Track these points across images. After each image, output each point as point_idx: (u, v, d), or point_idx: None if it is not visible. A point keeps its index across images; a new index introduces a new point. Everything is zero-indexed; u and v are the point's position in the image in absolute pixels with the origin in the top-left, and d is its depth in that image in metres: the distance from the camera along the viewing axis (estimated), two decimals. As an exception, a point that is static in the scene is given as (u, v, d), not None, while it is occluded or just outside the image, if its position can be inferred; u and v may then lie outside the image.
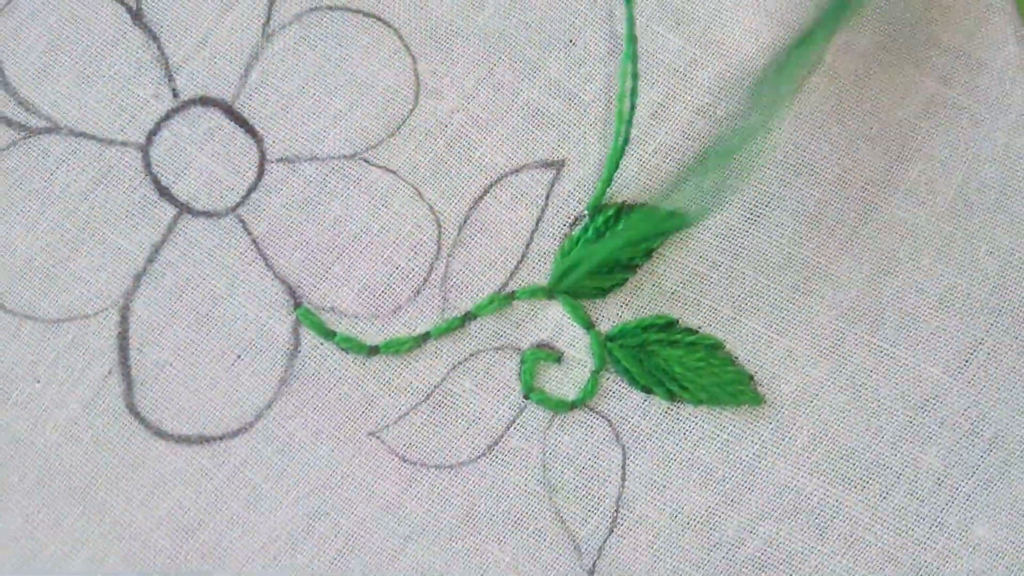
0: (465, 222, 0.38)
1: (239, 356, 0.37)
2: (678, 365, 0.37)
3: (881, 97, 0.39)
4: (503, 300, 0.38)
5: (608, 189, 0.38)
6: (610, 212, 0.38)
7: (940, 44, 0.39)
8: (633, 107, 0.38)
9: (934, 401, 0.38)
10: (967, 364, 0.38)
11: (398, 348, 0.37)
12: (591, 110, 0.39)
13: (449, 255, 0.38)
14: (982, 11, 0.40)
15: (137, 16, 0.38)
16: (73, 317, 0.37)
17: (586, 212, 0.38)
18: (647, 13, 0.39)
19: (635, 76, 0.38)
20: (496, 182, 0.38)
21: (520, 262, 0.38)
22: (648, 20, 0.39)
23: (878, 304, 0.38)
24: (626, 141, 0.38)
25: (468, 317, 0.38)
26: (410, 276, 0.38)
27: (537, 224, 0.38)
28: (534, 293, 0.38)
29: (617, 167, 0.38)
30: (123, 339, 0.37)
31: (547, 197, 0.38)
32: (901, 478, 0.38)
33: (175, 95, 0.38)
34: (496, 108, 0.38)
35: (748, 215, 0.38)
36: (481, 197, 0.38)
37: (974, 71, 0.39)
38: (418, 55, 0.39)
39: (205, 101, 0.38)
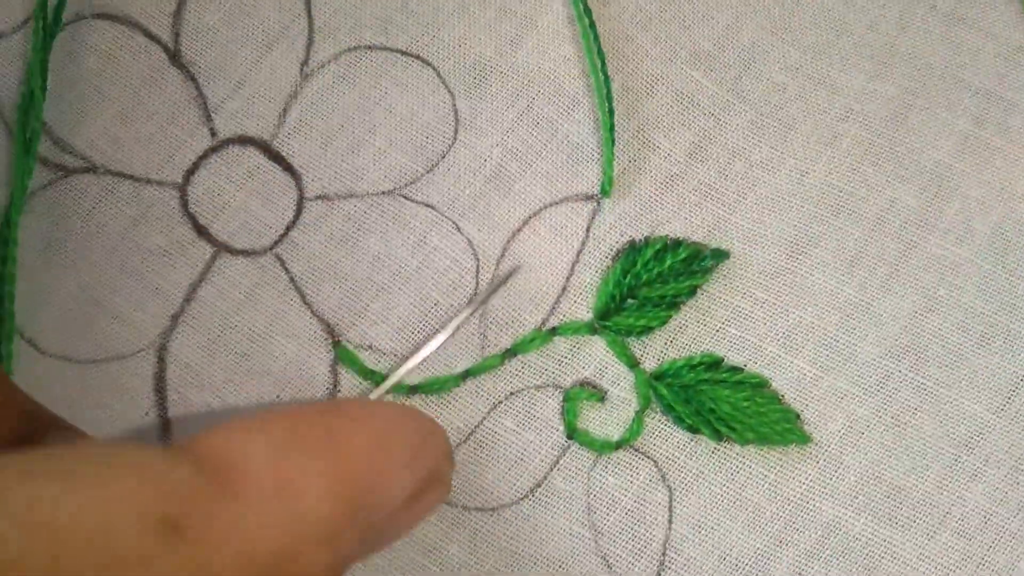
0: (503, 256, 0.38)
1: (278, 395, 0.36)
2: (725, 404, 0.37)
3: (914, 140, 0.39)
4: (545, 337, 0.37)
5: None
6: (658, 246, 0.38)
7: (971, 87, 0.40)
8: (607, 79, 0.38)
9: (978, 438, 0.38)
10: (1010, 401, 0.38)
11: (438, 387, 0.37)
12: (630, 146, 0.39)
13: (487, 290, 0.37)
14: (1011, 53, 0.40)
15: (175, 57, 0.38)
16: (111, 358, 0.36)
17: (599, 193, 0.38)
18: (681, 57, 0.39)
19: (601, 55, 0.38)
20: (535, 215, 0.38)
21: (560, 296, 0.38)
22: (682, 64, 0.39)
23: (921, 342, 0.38)
24: (612, 112, 0.37)
25: (508, 354, 0.37)
26: (448, 312, 0.37)
27: (578, 256, 0.38)
28: (577, 329, 0.37)
29: (614, 141, 0.37)
30: (160, 380, 0.36)
31: (587, 230, 0.38)
32: (948, 517, 0.37)
33: (213, 134, 0.38)
34: (535, 143, 0.38)
35: (790, 253, 0.38)
36: (519, 230, 0.38)
37: (1006, 112, 0.40)
38: (456, 92, 0.39)
39: (243, 140, 0.38)
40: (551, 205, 0.38)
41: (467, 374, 0.37)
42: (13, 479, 0.20)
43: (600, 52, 0.38)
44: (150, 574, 0.21)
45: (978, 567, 0.37)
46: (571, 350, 0.37)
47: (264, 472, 0.23)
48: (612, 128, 0.37)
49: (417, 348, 0.36)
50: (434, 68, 0.39)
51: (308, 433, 0.24)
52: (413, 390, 0.37)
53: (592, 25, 0.38)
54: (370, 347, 0.37)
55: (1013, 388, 0.38)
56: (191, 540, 0.21)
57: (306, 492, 0.23)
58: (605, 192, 0.38)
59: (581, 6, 0.38)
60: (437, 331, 0.36)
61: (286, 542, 0.22)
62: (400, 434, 0.27)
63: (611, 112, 0.37)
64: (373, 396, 0.35)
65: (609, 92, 0.38)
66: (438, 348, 0.36)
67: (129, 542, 0.20)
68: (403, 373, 0.35)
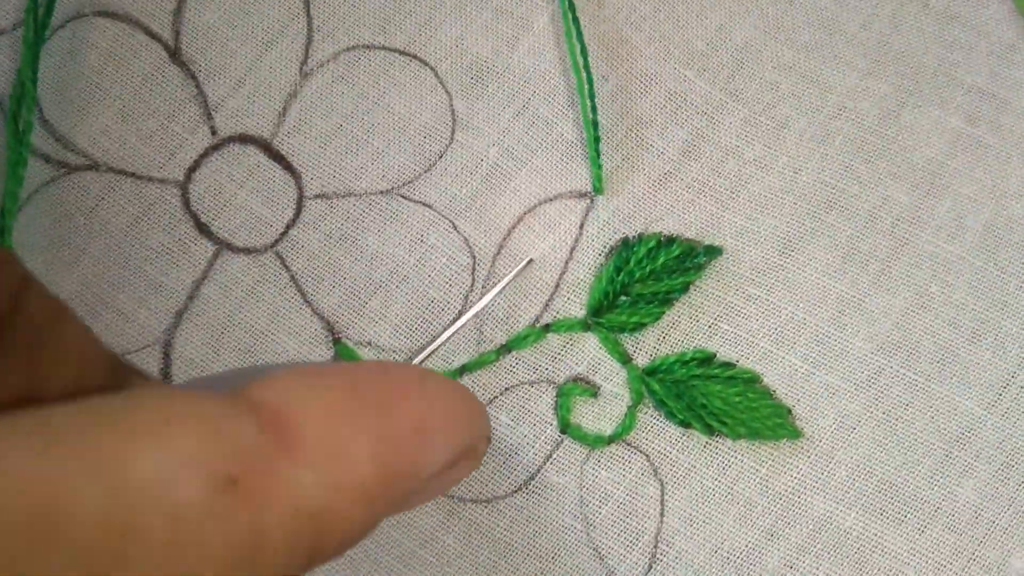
0: (499, 253, 0.38)
1: (279, 391, 0.37)
2: (717, 399, 0.37)
3: (907, 137, 0.40)
4: (539, 333, 0.38)
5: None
6: (651, 243, 0.38)
7: (964, 84, 0.40)
8: (590, 78, 0.38)
9: (969, 435, 0.38)
10: (1000, 397, 0.38)
11: (436, 383, 0.37)
12: (623, 145, 0.39)
13: (484, 285, 0.38)
14: (1004, 51, 0.40)
15: (175, 55, 0.39)
16: (116, 354, 0.37)
17: (592, 191, 0.38)
18: (674, 56, 0.40)
19: (584, 53, 0.38)
20: (529, 211, 0.38)
21: (554, 293, 0.38)
22: (676, 63, 0.40)
23: (912, 338, 0.38)
24: (595, 109, 0.38)
25: (504, 350, 0.38)
26: (446, 308, 0.38)
27: (571, 253, 0.38)
28: (571, 326, 0.38)
29: (598, 139, 0.38)
30: (166, 376, 0.37)
31: (581, 227, 0.38)
32: (939, 512, 0.38)
33: (213, 133, 0.38)
34: (531, 142, 0.39)
35: (783, 250, 0.39)
36: (514, 227, 0.38)
37: (998, 110, 0.40)
38: (454, 92, 0.39)
39: (244, 139, 0.38)
40: (545, 202, 0.39)
41: (464, 369, 0.38)
42: (84, 429, 0.21)
43: (584, 49, 0.38)
44: (210, 528, 0.21)
45: (969, 562, 0.37)
46: (565, 346, 0.38)
47: (321, 432, 0.23)
48: (596, 125, 0.38)
49: (430, 338, 0.37)
50: (432, 68, 0.39)
51: (364, 396, 0.25)
52: (410, 385, 0.37)
53: (575, 20, 0.38)
54: (369, 344, 0.38)
55: (1004, 384, 0.38)
56: (247, 496, 0.22)
57: (355, 455, 0.24)
58: (597, 190, 0.38)
59: (566, 3, 0.38)
60: (456, 317, 0.37)
61: (331, 500, 0.23)
62: (447, 408, 0.28)
63: (594, 109, 0.38)
64: (416, 362, 0.36)
65: (591, 89, 0.38)
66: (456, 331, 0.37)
67: (194, 497, 0.21)
68: (441, 343, 0.36)
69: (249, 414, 0.23)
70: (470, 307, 0.38)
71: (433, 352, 0.36)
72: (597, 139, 0.38)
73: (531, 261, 0.38)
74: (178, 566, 0.21)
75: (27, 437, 0.21)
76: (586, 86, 0.38)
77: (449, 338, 0.37)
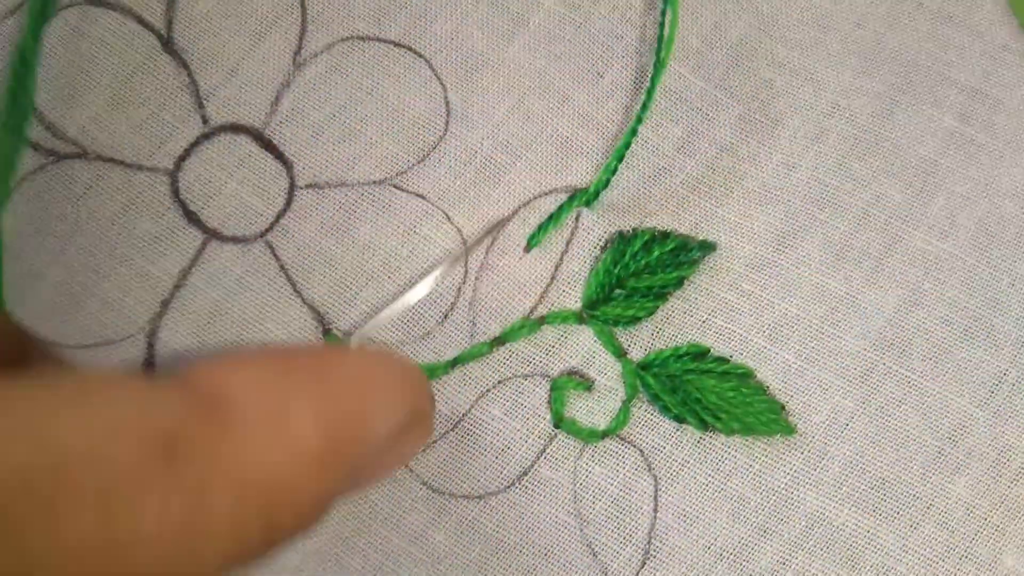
0: (492, 245, 0.38)
1: (268, 381, 0.36)
2: (711, 394, 0.37)
3: (900, 136, 0.40)
4: (533, 325, 0.37)
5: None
6: (646, 237, 0.38)
7: (957, 84, 0.40)
8: (652, 89, 0.38)
9: (961, 431, 0.38)
10: (992, 395, 0.38)
11: (427, 375, 0.37)
12: (618, 141, 0.39)
13: (477, 278, 0.38)
14: (997, 51, 0.41)
15: (167, 44, 0.38)
16: (99, 343, 0.36)
17: (587, 188, 0.38)
18: (670, 53, 0.40)
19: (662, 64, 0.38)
20: (524, 205, 0.38)
21: (549, 285, 0.38)
22: (671, 61, 0.40)
23: (905, 335, 0.38)
24: (639, 122, 0.38)
25: (497, 342, 0.37)
26: (438, 301, 0.38)
27: (567, 246, 0.38)
28: (565, 318, 0.38)
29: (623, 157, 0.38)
30: (149, 365, 0.36)
31: (576, 219, 0.38)
32: (931, 508, 0.37)
33: (205, 122, 0.38)
34: (525, 136, 0.39)
35: (777, 246, 0.39)
36: (509, 219, 0.38)
37: (991, 109, 0.40)
38: (448, 84, 0.39)
39: (235, 128, 0.38)
40: (540, 196, 0.38)
41: (456, 362, 0.37)
42: (15, 398, 0.20)
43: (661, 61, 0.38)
44: (150, 496, 0.21)
45: (961, 559, 0.37)
46: (559, 339, 0.38)
47: (254, 401, 0.23)
48: (634, 133, 0.38)
49: (423, 332, 0.37)
50: (426, 60, 0.39)
51: (296, 366, 0.24)
52: (401, 378, 0.37)
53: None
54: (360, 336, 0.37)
55: (996, 382, 0.38)
56: (186, 463, 0.21)
57: (296, 423, 0.23)
58: (589, 203, 0.38)
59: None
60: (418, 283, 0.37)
61: (278, 471, 0.23)
62: (383, 371, 0.27)
63: (639, 119, 0.38)
64: (353, 340, 0.36)
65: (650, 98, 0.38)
66: (418, 301, 0.36)
67: (126, 462, 0.21)
68: (380, 322, 0.36)
69: (178, 388, 0.22)
70: (463, 298, 0.37)
71: (378, 323, 0.36)
72: (628, 145, 0.38)
73: (505, 220, 0.37)
74: (110, 538, 0.20)
75: None
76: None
77: (406, 307, 0.36)
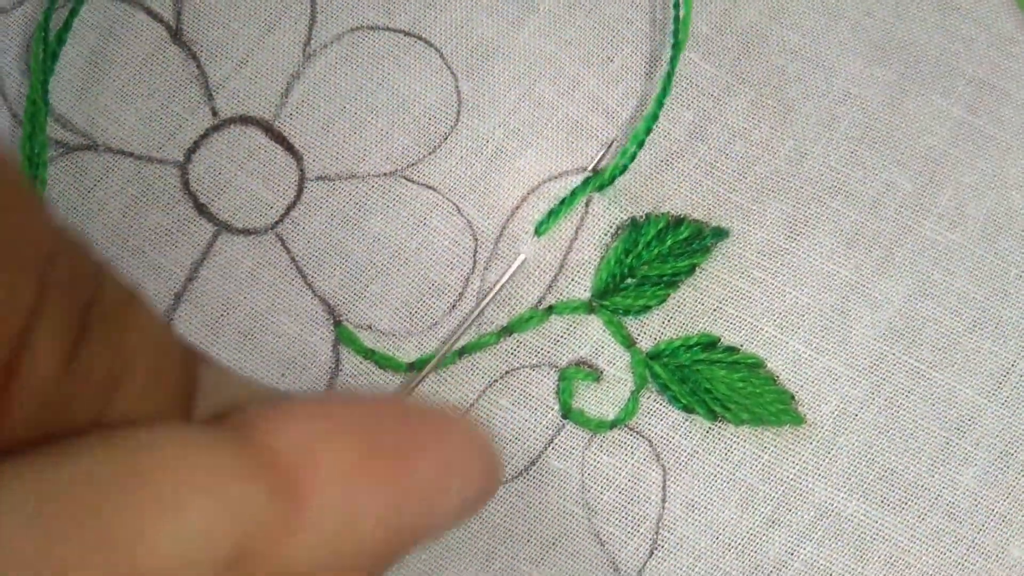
0: (501, 235, 0.38)
1: (283, 375, 0.37)
2: (720, 384, 0.37)
3: (910, 125, 0.40)
4: (541, 316, 0.38)
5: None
6: (660, 224, 0.38)
7: (965, 75, 0.40)
8: (672, 73, 0.38)
9: (970, 422, 0.38)
10: (1001, 386, 0.38)
11: (436, 365, 0.37)
12: (630, 126, 0.39)
13: (485, 268, 0.38)
14: (1003, 43, 0.40)
15: (177, 35, 0.38)
16: (110, 334, 0.36)
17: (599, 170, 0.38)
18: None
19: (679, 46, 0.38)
20: (533, 191, 0.38)
21: (558, 274, 0.38)
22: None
23: (915, 325, 0.38)
24: (660, 107, 0.38)
25: (505, 332, 0.37)
26: (446, 291, 0.38)
27: (576, 233, 0.38)
28: (574, 308, 0.38)
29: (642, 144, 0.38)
30: (161, 356, 0.36)
31: (587, 205, 0.38)
32: (939, 499, 0.38)
33: (214, 113, 0.38)
34: (537, 123, 0.39)
35: (788, 233, 0.39)
36: (518, 207, 0.38)
37: (999, 101, 0.40)
38: (459, 73, 0.39)
39: (245, 120, 0.38)
40: (550, 180, 0.38)
41: (463, 351, 0.37)
42: (89, 493, 0.19)
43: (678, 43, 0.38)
44: None
45: (968, 549, 0.37)
46: (567, 329, 0.38)
47: (333, 499, 0.22)
48: (655, 118, 0.38)
49: (430, 323, 0.37)
50: (437, 49, 0.39)
51: (381, 449, 0.23)
52: (411, 368, 0.37)
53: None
54: (370, 327, 0.37)
55: (1004, 373, 0.38)
56: (251, 568, 0.21)
57: (364, 522, 0.23)
58: (602, 189, 0.38)
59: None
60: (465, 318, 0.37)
61: (328, 565, 0.22)
62: (467, 466, 0.26)
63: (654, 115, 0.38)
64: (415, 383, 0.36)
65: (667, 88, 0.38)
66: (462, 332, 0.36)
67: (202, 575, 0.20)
68: (437, 362, 0.36)
69: (262, 471, 0.21)
70: (471, 288, 0.38)
71: (430, 372, 0.36)
72: (649, 130, 0.37)
73: (524, 259, 0.37)
74: None
75: (24, 499, 0.19)
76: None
77: (449, 349, 0.36)
